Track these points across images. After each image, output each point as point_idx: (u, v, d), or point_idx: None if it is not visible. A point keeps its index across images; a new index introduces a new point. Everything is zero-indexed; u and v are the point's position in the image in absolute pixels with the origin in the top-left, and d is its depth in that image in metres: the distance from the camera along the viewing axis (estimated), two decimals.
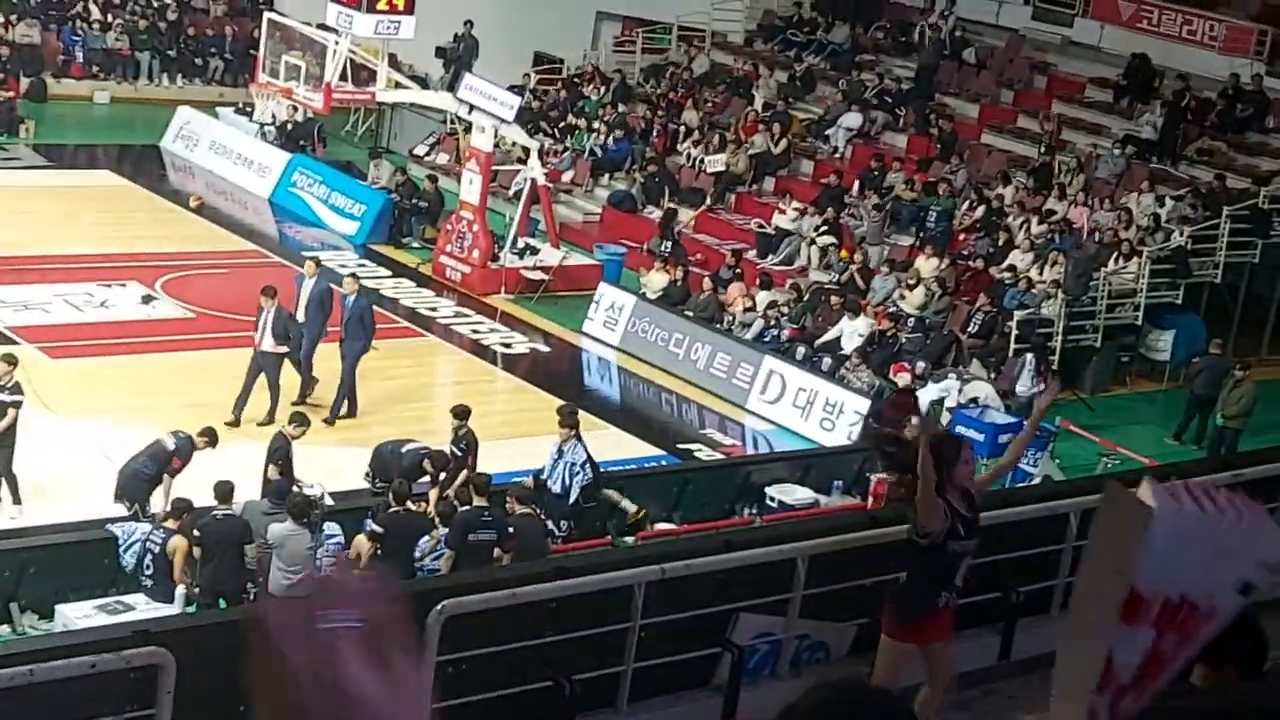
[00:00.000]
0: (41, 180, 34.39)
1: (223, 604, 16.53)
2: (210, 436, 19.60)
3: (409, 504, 17.93)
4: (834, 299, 28.74)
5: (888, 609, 10.56)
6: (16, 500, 19.84)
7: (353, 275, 25.64)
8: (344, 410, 24.09)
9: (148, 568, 17.10)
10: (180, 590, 16.88)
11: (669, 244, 32.10)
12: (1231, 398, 25.95)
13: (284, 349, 23.27)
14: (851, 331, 27.56)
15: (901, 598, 10.51)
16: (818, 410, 26.10)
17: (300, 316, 24.00)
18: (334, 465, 21.18)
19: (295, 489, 18.65)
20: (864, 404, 25.48)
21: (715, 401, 27.00)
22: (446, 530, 17.66)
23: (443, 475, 19.55)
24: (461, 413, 20.71)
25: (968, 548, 10.29)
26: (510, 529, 17.62)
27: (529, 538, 17.75)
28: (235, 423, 22.62)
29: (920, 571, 10.38)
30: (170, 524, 17.30)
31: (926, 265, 29.80)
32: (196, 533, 17.02)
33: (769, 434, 26.14)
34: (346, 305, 24.50)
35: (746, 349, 27.71)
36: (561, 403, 21.74)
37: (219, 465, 18.93)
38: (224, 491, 17.58)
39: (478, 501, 17.78)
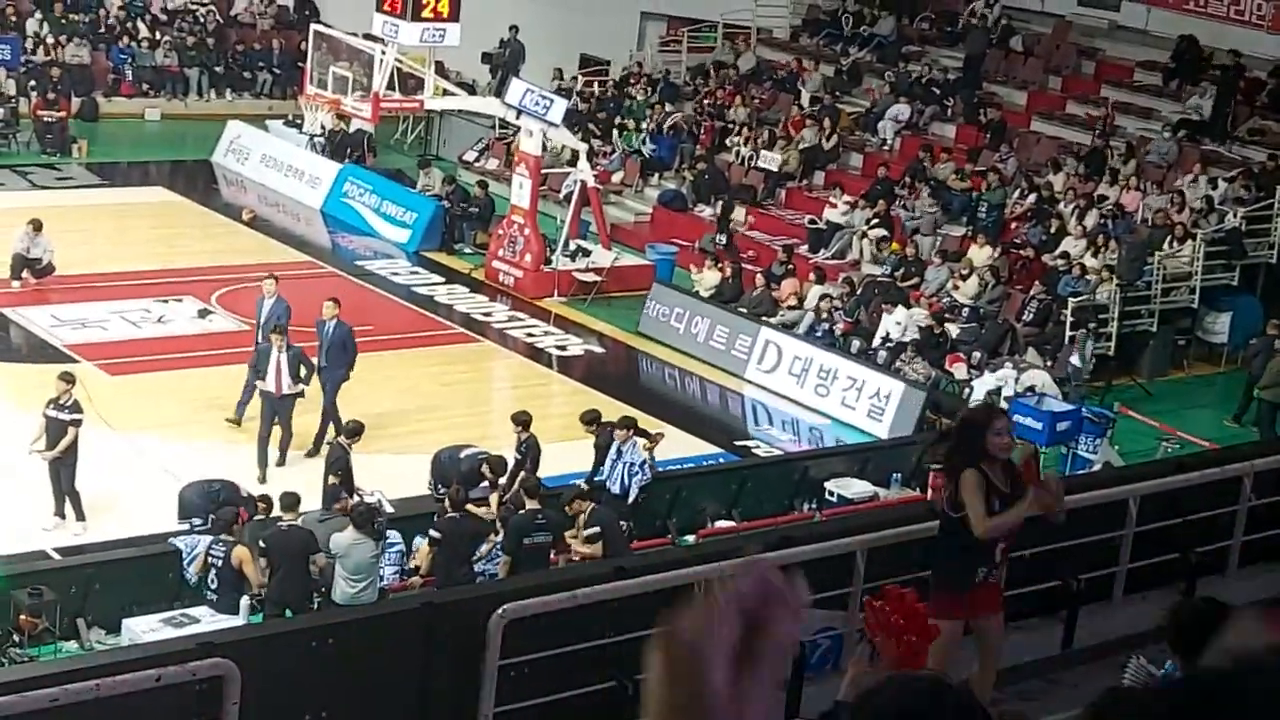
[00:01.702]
0: (95, 199, 34.62)
1: (288, 614, 16.59)
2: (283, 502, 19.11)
3: (468, 508, 17.99)
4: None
5: (932, 588, 10.46)
6: (80, 517, 19.99)
7: (334, 299, 23.89)
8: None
9: (212, 581, 17.19)
10: (245, 601, 16.98)
11: (724, 237, 32.06)
12: (1272, 366, 25.85)
13: (300, 388, 22.27)
14: (893, 323, 27.52)
15: (940, 574, 10.37)
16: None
17: (261, 339, 23.03)
18: (392, 473, 21.27)
19: (357, 498, 18.75)
20: (886, 382, 25.89)
21: (766, 396, 27.03)
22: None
23: (502, 480, 19.61)
24: (523, 420, 20.74)
25: None
26: (601, 522, 17.96)
27: (609, 525, 18.06)
28: (281, 462, 22.27)
29: (955, 547, 10.21)
30: (227, 535, 17.38)
31: (979, 255, 29.71)
32: (261, 544, 17.08)
33: (826, 428, 26.14)
34: (326, 331, 23.15)
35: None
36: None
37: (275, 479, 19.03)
38: (290, 502, 17.67)
39: (530, 505, 17.86)
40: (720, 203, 33.65)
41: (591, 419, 21.03)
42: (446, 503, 17.96)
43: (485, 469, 19.59)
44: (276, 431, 22.20)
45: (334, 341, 23.03)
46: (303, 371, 22.15)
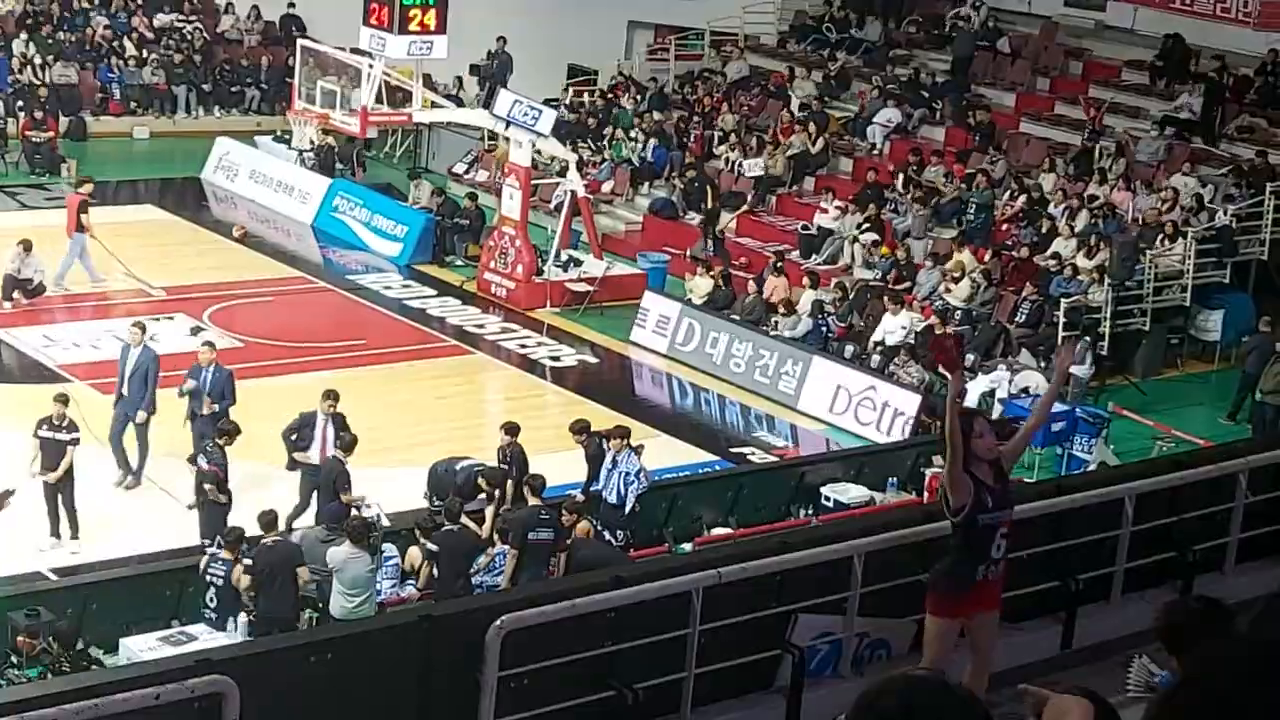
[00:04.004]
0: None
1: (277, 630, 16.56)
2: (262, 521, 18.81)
3: (463, 520, 17.99)
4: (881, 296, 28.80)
5: (930, 587, 10.57)
6: (76, 536, 19.96)
7: (138, 324, 22.79)
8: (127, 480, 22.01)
9: (211, 600, 17.20)
10: (243, 619, 16.97)
11: (712, 244, 32.00)
12: (1271, 373, 25.84)
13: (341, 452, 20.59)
14: (895, 326, 27.53)
15: (941, 574, 10.51)
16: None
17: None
18: (388, 486, 21.22)
19: (354, 510, 18.75)
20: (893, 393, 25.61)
21: (751, 398, 27.03)
22: (503, 547, 17.77)
23: (498, 492, 19.59)
24: (511, 429, 20.71)
25: (999, 519, 10.27)
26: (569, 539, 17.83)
27: (595, 564, 17.46)
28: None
29: (955, 547, 10.41)
30: (226, 554, 17.36)
31: (971, 257, 29.70)
32: (248, 562, 17.09)
33: (822, 434, 26.13)
34: (129, 356, 22.03)
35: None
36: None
37: (269, 498, 19.00)
38: (269, 521, 17.70)
39: (533, 501, 17.94)
40: (704, 208, 33.63)
41: (581, 428, 20.96)
42: (443, 515, 17.97)
43: (482, 481, 19.58)
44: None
45: (135, 370, 21.94)
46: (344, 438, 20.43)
